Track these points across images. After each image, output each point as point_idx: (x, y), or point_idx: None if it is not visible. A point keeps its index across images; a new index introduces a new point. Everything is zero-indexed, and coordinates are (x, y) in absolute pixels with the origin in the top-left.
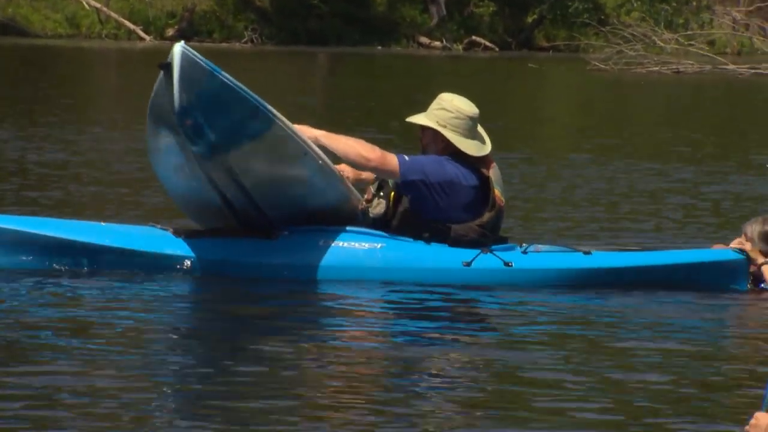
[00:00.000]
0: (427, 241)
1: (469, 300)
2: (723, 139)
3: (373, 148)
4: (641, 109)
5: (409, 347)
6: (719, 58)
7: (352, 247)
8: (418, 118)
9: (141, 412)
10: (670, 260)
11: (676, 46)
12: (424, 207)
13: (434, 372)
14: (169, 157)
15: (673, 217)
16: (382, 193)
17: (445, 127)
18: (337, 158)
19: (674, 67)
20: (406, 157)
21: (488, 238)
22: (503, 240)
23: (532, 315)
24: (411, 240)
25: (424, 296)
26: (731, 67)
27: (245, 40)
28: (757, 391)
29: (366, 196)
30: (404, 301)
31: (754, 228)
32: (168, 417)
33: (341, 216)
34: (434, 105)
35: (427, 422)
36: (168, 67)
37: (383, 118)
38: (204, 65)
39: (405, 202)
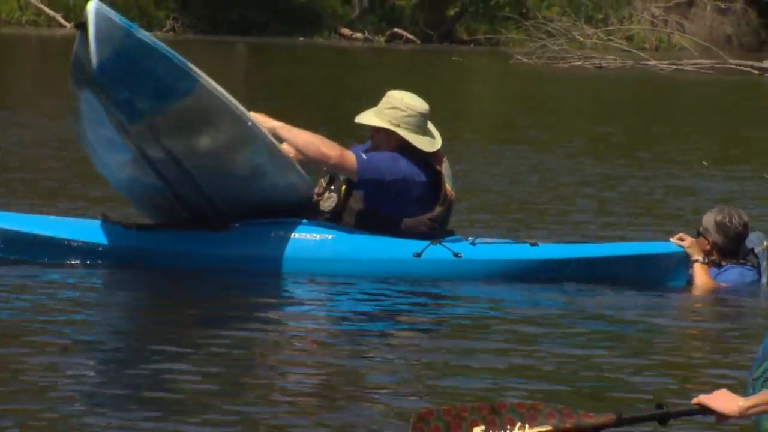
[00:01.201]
0: (379, 233)
1: (418, 290)
2: (644, 132)
3: (333, 145)
4: (565, 103)
5: (358, 337)
6: (641, 54)
7: (303, 239)
8: (370, 119)
9: (71, 408)
10: (612, 252)
11: (596, 41)
12: (378, 202)
13: (382, 361)
14: (101, 132)
15: (605, 209)
16: (333, 187)
17: (398, 126)
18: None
19: (597, 62)
20: (363, 156)
21: (437, 231)
22: (450, 233)
23: (480, 304)
24: (362, 232)
25: (374, 286)
26: (652, 62)
27: (167, 29)
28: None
29: (317, 190)
30: (354, 292)
31: (709, 219)
32: (105, 412)
33: (294, 205)
34: (384, 104)
35: (373, 409)
36: (84, 26)
37: (308, 109)
38: (120, 23)
39: (356, 196)
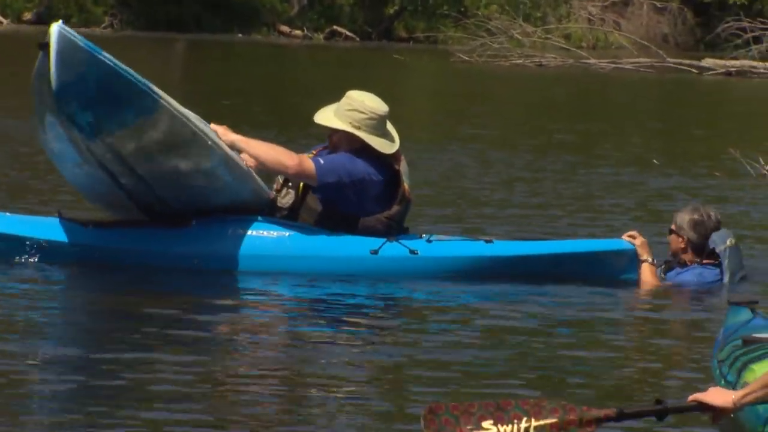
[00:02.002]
0: (336, 231)
1: (375, 287)
2: (585, 129)
3: (290, 155)
4: (506, 100)
5: (314, 335)
6: (581, 53)
7: (261, 236)
8: (331, 120)
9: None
10: (565, 250)
11: (534, 39)
12: (336, 202)
13: (336, 359)
14: (60, 145)
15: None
16: (290, 183)
17: (359, 128)
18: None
19: (537, 60)
20: (321, 160)
21: (394, 229)
22: (406, 231)
23: (436, 301)
24: (320, 229)
25: (330, 284)
26: (593, 61)
27: (105, 25)
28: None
29: (275, 186)
30: (310, 288)
31: (683, 217)
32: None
33: (249, 209)
34: (344, 105)
35: (327, 407)
36: (46, 47)
37: (249, 105)
38: (83, 45)
39: (313, 194)
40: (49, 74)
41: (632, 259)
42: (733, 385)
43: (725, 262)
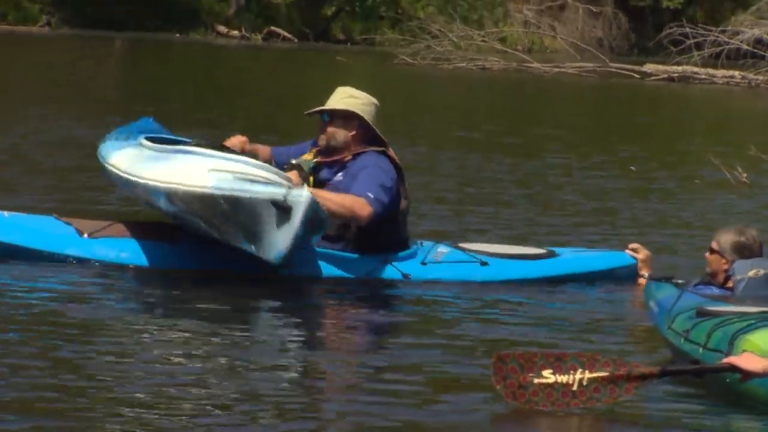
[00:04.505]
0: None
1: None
2: (532, 132)
3: (353, 202)
4: (448, 103)
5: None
6: (525, 57)
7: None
8: (336, 104)
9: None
10: (566, 270)
11: (477, 43)
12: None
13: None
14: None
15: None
16: (301, 179)
17: (363, 114)
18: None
19: (480, 63)
20: (370, 194)
21: (405, 226)
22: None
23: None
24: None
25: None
26: (536, 65)
27: (41, 24)
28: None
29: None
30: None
31: (727, 239)
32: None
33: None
34: (340, 94)
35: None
36: (285, 209)
37: (188, 106)
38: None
39: (327, 188)
40: (275, 239)
41: (632, 273)
42: (725, 353)
43: (737, 294)
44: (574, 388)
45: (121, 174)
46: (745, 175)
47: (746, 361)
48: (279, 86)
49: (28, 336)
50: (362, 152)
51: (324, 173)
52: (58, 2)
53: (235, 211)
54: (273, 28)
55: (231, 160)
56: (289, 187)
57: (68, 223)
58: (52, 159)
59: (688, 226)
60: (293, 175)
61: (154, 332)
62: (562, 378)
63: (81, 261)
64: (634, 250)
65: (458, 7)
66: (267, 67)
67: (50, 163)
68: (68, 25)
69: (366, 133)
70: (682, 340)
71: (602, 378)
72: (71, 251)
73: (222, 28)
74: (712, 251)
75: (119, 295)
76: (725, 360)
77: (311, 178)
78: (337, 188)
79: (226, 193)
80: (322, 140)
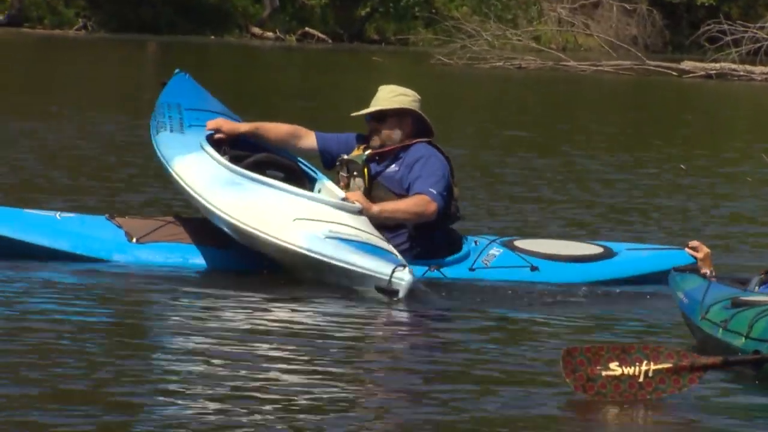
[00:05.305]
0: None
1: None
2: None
3: (418, 203)
4: (485, 101)
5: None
6: (561, 55)
7: None
8: (389, 104)
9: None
10: (623, 273)
11: (505, 41)
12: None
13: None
14: None
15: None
16: (355, 173)
17: (416, 108)
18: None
19: (517, 63)
20: (432, 190)
21: (454, 219)
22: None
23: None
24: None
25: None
26: (573, 63)
27: (77, 27)
28: None
29: (341, 183)
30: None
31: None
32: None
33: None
34: (388, 92)
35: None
36: (391, 293)
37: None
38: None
39: (381, 180)
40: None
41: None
42: None
43: None
44: (641, 379)
45: (193, 194)
46: None
47: None
48: (316, 86)
49: (69, 339)
50: (413, 143)
51: (376, 166)
52: (94, 6)
53: (328, 271)
54: (307, 29)
55: (312, 200)
56: (393, 269)
57: (119, 226)
58: (106, 159)
59: (744, 222)
60: (355, 195)
61: (206, 338)
62: (629, 370)
63: (128, 266)
64: (693, 248)
65: (492, 7)
66: (303, 67)
67: (104, 163)
68: (104, 29)
69: (416, 127)
70: (721, 330)
71: (666, 369)
72: (119, 257)
73: (257, 30)
74: None
75: (166, 297)
76: None
77: (365, 171)
78: (393, 179)
79: (323, 259)
80: (376, 141)
